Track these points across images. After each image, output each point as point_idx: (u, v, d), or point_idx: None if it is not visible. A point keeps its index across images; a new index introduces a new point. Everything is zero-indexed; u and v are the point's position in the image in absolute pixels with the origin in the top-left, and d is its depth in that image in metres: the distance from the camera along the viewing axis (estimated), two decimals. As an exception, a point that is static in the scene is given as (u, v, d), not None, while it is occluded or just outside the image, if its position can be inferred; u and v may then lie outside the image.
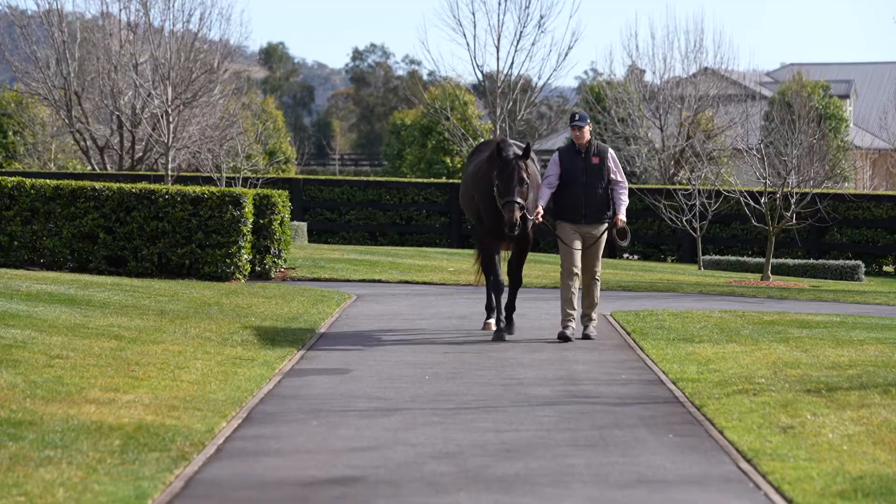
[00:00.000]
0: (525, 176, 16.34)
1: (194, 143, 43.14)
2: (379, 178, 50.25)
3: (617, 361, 14.95)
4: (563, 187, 16.86)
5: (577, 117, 16.98)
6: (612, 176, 16.92)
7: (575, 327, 16.82)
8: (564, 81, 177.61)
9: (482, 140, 17.04)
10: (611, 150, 17.06)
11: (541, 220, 16.71)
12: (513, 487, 9.05)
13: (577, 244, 16.78)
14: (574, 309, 16.78)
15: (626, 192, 17.02)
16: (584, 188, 16.79)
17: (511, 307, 17.36)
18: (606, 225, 16.90)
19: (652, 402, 12.34)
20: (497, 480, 9.23)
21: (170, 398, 11.90)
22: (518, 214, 16.18)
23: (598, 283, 17.12)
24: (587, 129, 17.01)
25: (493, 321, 17.55)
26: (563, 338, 16.68)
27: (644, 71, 55.00)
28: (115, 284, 21.13)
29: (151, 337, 15.68)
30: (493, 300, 17.41)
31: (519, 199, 16.21)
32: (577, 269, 16.73)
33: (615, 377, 13.82)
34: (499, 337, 16.84)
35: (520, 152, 16.54)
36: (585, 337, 16.90)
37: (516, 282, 17.45)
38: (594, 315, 17.21)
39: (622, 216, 16.84)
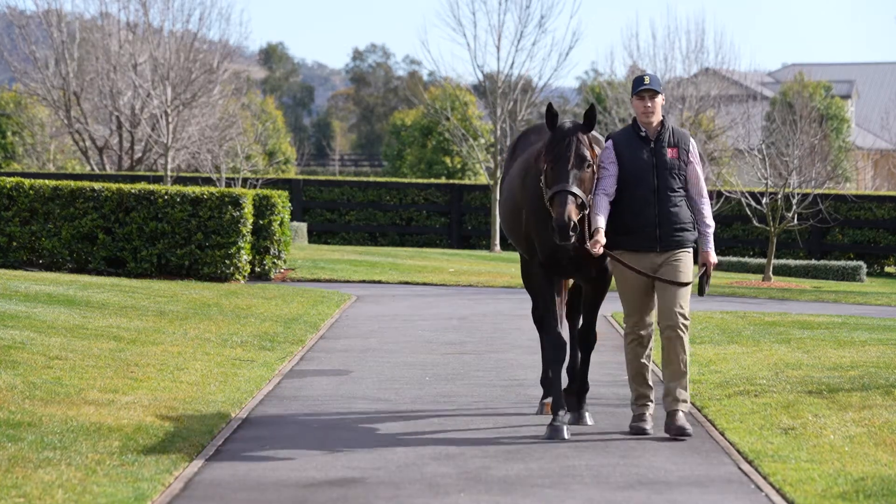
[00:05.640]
0: (587, 153, 10.67)
1: (194, 144, 43.17)
2: (379, 179, 50.24)
3: (617, 362, 14.89)
4: (622, 194, 10.77)
5: (646, 80, 10.80)
6: (695, 182, 10.87)
7: (653, 413, 11.00)
8: (565, 82, 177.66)
9: (525, 128, 12.71)
10: (692, 140, 10.93)
11: (601, 248, 10.56)
12: (513, 489, 9.01)
13: (646, 287, 10.84)
14: (650, 387, 10.93)
15: (710, 209, 11.01)
16: (655, 197, 10.71)
17: (581, 377, 11.44)
18: (691, 251, 10.93)
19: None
20: (497, 482, 9.20)
21: (169, 399, 11.87)
22: (573, 210, 10.40)
23: (686, 337, 10.69)
24: (660, 102, 10.84)
25: (550, 401, 11.45)
26: (639, 431, 10.84)
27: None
28: (115, 285, 21.09)
29: (151, 338, 15.64)
30: (551, 371, 11.08)
31: (575, 189, 10.45)
32: (649, 328, 10.92)
33: (615, 378, 13.77)
34: (556, 432, 10.65)
35: (580, 121, 10.91)
36: (677, 431, 10.61)
37: (585, 337, 11.49)
38: (683, 393, 10.72)
39: (713, 256, 11.02)
